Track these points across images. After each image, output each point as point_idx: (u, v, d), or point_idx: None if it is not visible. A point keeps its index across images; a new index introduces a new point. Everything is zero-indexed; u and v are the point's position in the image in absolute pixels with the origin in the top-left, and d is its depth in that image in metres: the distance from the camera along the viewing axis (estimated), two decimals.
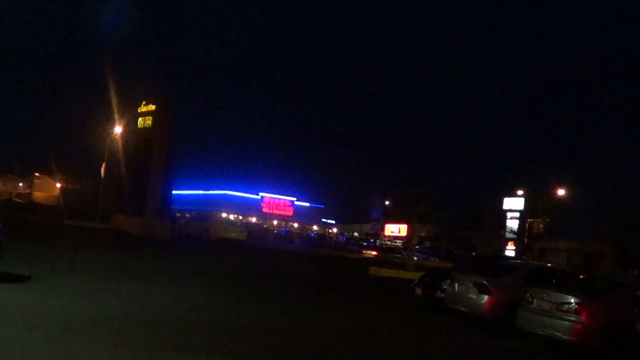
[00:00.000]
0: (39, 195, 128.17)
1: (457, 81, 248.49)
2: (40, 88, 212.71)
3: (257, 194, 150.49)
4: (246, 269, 34.87)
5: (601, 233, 76.92)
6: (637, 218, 64.12)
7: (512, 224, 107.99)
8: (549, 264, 35.88)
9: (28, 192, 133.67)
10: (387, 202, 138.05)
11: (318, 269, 43.20)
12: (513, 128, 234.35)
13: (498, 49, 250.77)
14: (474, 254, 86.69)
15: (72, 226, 52.77)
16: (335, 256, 68.94)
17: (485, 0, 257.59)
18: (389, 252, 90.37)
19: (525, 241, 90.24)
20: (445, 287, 23.33)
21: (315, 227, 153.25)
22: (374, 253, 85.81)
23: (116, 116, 64.55)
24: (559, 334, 16.66)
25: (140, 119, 58.43)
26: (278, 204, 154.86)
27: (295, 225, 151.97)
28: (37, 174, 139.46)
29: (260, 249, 60.00)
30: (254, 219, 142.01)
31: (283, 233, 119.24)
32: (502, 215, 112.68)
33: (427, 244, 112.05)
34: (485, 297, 20.37)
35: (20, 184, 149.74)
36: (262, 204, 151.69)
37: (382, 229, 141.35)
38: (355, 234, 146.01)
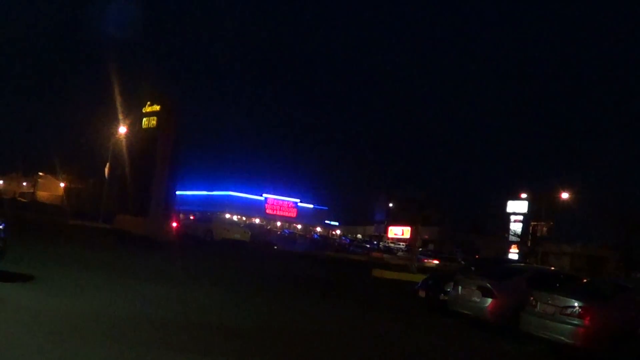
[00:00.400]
0: (42, 194, 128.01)
1: (462, 84, 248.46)
2: (45, 88, 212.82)
3: (261, 195, 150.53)
4: (249, 270, 34.87)
5: (605, 237, 76.79)
6: None
7: (516, 227, 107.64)
8: (553, 268, 35.83)
9: (32, 191, 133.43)
10: (390, 205, 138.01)
11: (321, 270, 43.18)
12: (518, 131, 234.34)
13: (503, 51, 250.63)
14: (477, 256, 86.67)
15: (76, 226, 52.84)
16: (338, 258, 68.94)
17: (490, 3, 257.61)
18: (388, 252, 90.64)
19: (529, 244, 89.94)
20: (448, 290, 23.32)
21: (318, 229, 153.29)
22: (385, 255, 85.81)
23: (120, 116, 64.67)
24: (562, 338, 16.64)
25: (144, 119, 58.40)
26: (282, 205, 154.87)
27: (299, 226, 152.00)
28: (41, 174, 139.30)
29: (263, 250, 60.03)
30: (257, 220, 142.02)
31: (286, 234, 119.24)
32: (505, 218, 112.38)
33: (431, 246, 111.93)
34: (489, 301, 20.35)
35: (24, 184, 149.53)
36: (266, 205, 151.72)
37: (386, 231, 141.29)
38: (359, 235, 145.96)
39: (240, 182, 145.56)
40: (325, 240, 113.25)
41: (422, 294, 25.73)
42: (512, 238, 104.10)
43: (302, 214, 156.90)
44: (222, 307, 18.85)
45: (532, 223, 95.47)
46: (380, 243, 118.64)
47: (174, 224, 56.33)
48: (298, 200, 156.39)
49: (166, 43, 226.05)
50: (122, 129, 65.45)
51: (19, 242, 23.65)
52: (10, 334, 11.32)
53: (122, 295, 18.00)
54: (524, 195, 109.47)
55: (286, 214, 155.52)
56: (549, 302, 17.29)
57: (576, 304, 16.65)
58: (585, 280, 22.61)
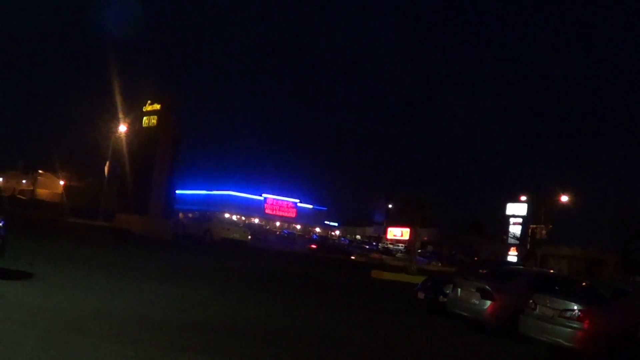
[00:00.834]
0: (42, 192, 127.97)
1: (462, 86, 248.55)
2: (45, 85, 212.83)
3: (261, 195, 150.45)
4: (248, 270, 34.85)
5: (604, 240, 76.91)
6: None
7: (515, 229, 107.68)
8: (552, 271, 35.84)
9: (31, 189, 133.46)
10: (390, 206, 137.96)
11: (320, 271, 43.15)
12: (517, 133, 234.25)
13: (504, 54, 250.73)
14: (476, 259, 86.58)
15: (75, 224, 52.87)
16: (337, 259, 68.94)
17: (491, 4, 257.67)
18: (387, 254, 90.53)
19: (528, 247, 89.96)
20: (447, 291, 23.33)
21: (317, 229, 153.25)
22: (384, 256, 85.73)
23: (121, 115, 64.72)
24: (561, 341, 16.63)
25: (145, 118, 58.54)
26: (281, 205, 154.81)
27: (298, 227, 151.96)
28: (40, 171, 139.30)
29: (262, 250, 60.04)
30: (256, 220, 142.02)
31: (285, 234, 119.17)
32: (505, 220, 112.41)
33: (430, 248, 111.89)
34: (488, 303, 20.34)
35: (24, 181, 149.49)
36: (265, 205, 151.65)
37: (385, 232, 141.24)
38: (358, 236, 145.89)
39: (239, 182, 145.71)
40: (324, 240, 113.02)
41: (421, 295, 25.72)
42: (511, 240, 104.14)
43: (301, 215, 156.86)
44: (222, 307, 18.85)
45: (532, 226, 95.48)
46: (379, 244, 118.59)
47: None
48: (297, 201, 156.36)
49: (166, 42, 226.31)
50: (123, 128, 65.50)
51: (19, 239, 23.66)
52: (9, 332, 11.31)
53: (121, 293, 17.99)
54: (523, 198, 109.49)
55: (285, 214, 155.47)
56: (548, 304, 17.27)
57: (575, 307, 16.64)
58: (584, 284, 22.63)
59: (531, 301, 17.96)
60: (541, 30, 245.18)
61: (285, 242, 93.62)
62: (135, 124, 61.20)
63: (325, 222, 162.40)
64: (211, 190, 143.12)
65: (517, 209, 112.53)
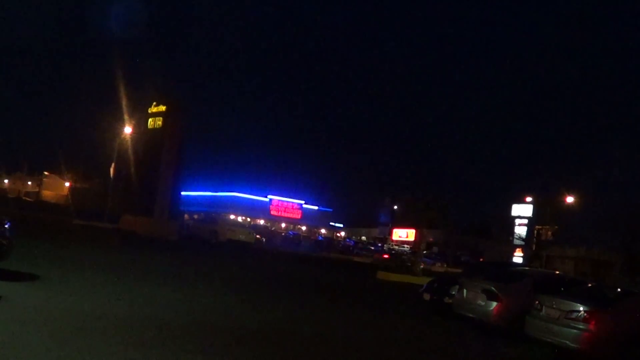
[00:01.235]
0: (47, 194, 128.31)
1: (467, 87, 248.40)
2: (51, 88, 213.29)
3: (266, 197, 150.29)
4: (254, 271, 34.86)
5: (609, 241, 76.80)
6: None
7: (521, 230, 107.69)
8: (558, 272, 35.79)
9: (37, 190, 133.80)
10: (395, 207, 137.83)
11: (326, 272, 43.16)
12: (523, 135, 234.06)
13: (509, 55, 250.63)
14: (481, 259, 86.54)
15: (81, 226, 52.84)
16: (343, 260, 68.94)
17: (493, 7, 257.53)
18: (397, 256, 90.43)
19: (534, 248, 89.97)
20: (453, 293, 23.29)
21: (323, 231, 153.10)
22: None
23: (126, 116, 64.73)
24: (567, 342, 16.60)
25: (150, 119, 58.63)
26: (286, 206, 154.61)
27: (303, 228, 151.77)
28: (46, 173, 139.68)
29: (268, 251, 60.05)
30: (262, 222, 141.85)
31: (291, 236, 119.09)
32: (510, 221, 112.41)
33: (435, 249, 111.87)
34: (494, 304, 20.32)
35: (29, 183, 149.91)
36: (271, 206, 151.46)
37: (390, 234, 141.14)
38: (363, 238, 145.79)
39: (245, 183, 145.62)
40: (330, 242, 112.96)
41: (427, 297, 25.68)
42: (516, 241, 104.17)
43: (306, 216, 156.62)
44: (228, 309, 18.85)
45: (537, 227, 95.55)
46: (385, 245, 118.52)
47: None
48: (303, 202, 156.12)
49: (172, 44, 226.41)
50: (128, 129, 65.50)
51: (24, 241, 23.67)
52: (14, 333, 11.32)
53: (127, 295, 17.99)
54: (529, 199, 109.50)
55: (291, 215, 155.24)
56: (554, 306, 17.25)
57: (581, 309, 16.60)
58: (590, 285, 22.59)
59: (537, 302, 17.93)
60: (546, 31, 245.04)
61: (290, 244, 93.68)
62: (140, 126, 61.26)
63: (331, 223, 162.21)
64: (216, 192, 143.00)
65: (522, 210, 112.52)
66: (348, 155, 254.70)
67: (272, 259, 48.77)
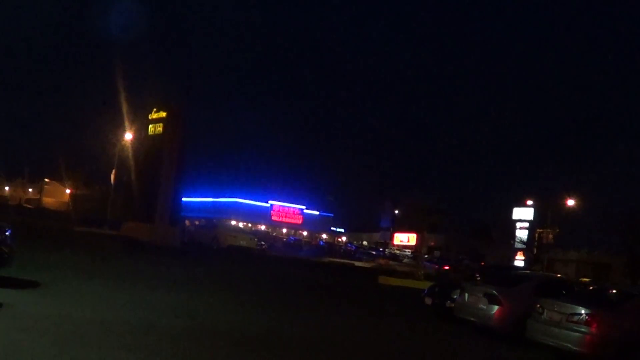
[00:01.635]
0: (48, 201, 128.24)
1: (468, 90, 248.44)
2: (51, 94, 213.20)
3: (267, 202, 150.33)
4: (256, 277, 34.85)
5: (611, 244, 76.70)
6: None
7: (522, 234, 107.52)
8: (559, 275, 35.80)
9: (37, 197, 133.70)
10: (396, 211, 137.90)
11: (327, 277, 43.16)
12: (524, 138, 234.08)
13: (509, 57, 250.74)
14: (482, 263, 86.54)
15: (82, 232, 52.86)
16: (344, 265, 68.95)
17: (495, 9, 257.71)
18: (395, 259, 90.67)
19: (535, 251, 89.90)
20: (455, 297, 23.29)
21: (324, 236, 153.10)
22: (391, 262, 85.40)
23: (127, 123, 64.82)
24: (569, 345, 16.61)
25: (150, 125, 58.58)
26: (287, 212, 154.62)
27: (305, 233, 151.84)
28: (46, 180, 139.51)
29: (269, 256, 60.08)
30: (263, 227, 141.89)
31: (292, 241, 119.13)
32: (511, 225, 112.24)
33: (437, 253, 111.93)
34: (496, 308, 20.33)
35: (30, 190, 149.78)
36: (272, 211, 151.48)
37: (391, 238, 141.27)
38: (365, 242, 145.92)
39: (246, 189, 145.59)
40: (331, 247, 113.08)
41: (428, 301, 25.69)
42: (518, 245, 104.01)
43: (307, 221, 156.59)
44: (230, 314, 18.81)
45: (538, 230, 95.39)
46: (386, 250, 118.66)
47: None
48: (304, 207, 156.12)
49: (172, 50, 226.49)
50: (129, 136, 65.59)
51: (25, 248, 23.67)
52: (16, 340, 11.33)
53: (128, 302, 17.98)
54: (530, 203, 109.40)
55: (292, 220, 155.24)
56: (556, 309, 17.26)
57: (583, 311, 16.62)
58: (592, 288, 22.60)
59: (539, 306, 17.95)
60: (547, 32, 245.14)
61: (292, 249, 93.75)
62: (141, 132, 61.27)
63: (332, 228, 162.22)
64: (217, 198, 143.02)
65: (523, 214, 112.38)
66: (349, 160, 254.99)
67: (273, 265, 48.76)
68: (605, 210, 70.92)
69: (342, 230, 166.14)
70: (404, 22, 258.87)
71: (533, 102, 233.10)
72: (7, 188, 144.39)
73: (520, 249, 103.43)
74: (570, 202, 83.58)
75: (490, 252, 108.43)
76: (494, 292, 20.67)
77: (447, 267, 68.23)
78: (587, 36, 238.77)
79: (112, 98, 66.15)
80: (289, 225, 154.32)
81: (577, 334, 16.41)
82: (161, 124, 57.51)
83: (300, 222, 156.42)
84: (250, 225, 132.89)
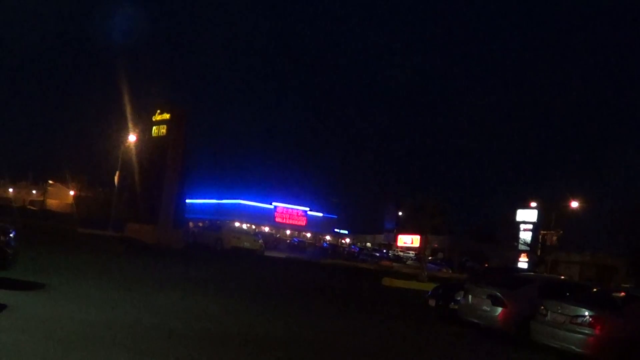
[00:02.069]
0: (52, 202, 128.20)
1: (472, 92, 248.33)
2: (55, 96, 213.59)
3: (271, 204, 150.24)
4: (260, 279, 34.86)
5: (615, 246, 76.63)
6: None
7: (525, 235, 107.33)
8: (563, 277, 35.79)
9: (41, 199, 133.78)
10: (400, 213, 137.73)
11: (331, 279, 43.17)
12: (527, 139, 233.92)
13: (513, 59, 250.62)
14: (486, 265, 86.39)
15: (86, 234, 52.87)
16: (348, 266, 68.92)
17: (498, 9, 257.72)
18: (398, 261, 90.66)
19: (539, 253, 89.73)
20: (458, 298, 23.30)
21: (328, 237, 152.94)
22: (394, 264, 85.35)
23: (130, 124, 64.77)
24: (572, 347, 16.61)
25: (154, 127, 58.57)
26: (291, 213, 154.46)
27: (308, 235, 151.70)
28: (50, 182, 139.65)
29: (273, 258, 60.06)
30: (267, 229, 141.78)
31: (296, 243, 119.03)
32: (515, 226, 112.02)
33: (440, 255, 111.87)
34: (499, 309, 20.32)
35: (34, 192, 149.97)
36: (275, 213, 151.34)
37: (395, 240, 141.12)
38: (368, 244, 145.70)
39: (249, 191, 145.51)
40: (335, 248, 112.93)
41: (432, 302, 25.71)
42: (521, 247, 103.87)
43: (311, 223, 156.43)
44: (235, 316, 18.83)
45: (542, 232, 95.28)
46: (390, 252, 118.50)
47: None
48: (307, 209, 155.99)
49: (177, 52, 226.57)
50: (132, 137, 65.54)
51: (29, 250, 23.72)
52: (20, 342, 11.35)
53: (132, 304, 18.00)
54: (533, 204, 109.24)
55: (295, 222, 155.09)
56: (560, 311, 17.26)
57: (587, 313, 16.62)
58: (595, 290, 22.57)
59: (542, 307, 17.96)
60: (552, 34, 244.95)
61: (295, 250, 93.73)
62: (144, 134, 61.23)
63: (336, 230, 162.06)
64: (221, 199, 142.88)
65: (527, 215, 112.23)
66: (353, 162, 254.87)
67: (277, 266, 48.77)
68: (609, 212, 70.93)
69: (346, 231, 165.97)
70: (407, 24, 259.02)
71: (537, 103, 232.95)
72: (11, 190, 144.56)
73: (523, 251, 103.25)
74: (574, 204, 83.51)
75: (494, 254, 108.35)
76: (498, 293, 20.67)
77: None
78: (592, 38, 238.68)
79: (116, 100, 66.04)
80: (293, 227, 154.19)
81: (581, 335, 16.41)
82: (165, 126, 57.51)
83: (304, 223, 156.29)
84: (254, 226, 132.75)
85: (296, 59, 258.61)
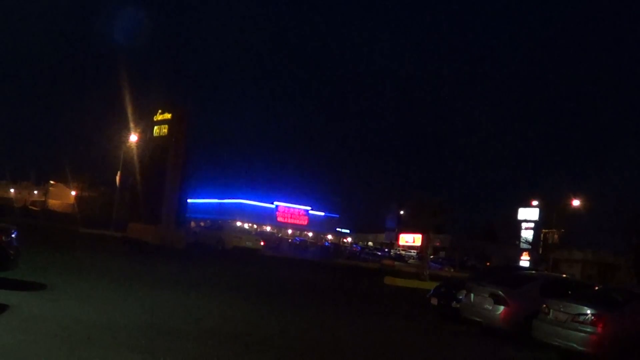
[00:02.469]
0: (53, 203, 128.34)
1: (473, 91, 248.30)
2: (56, 97, 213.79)
3: (272, 203, 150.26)
4: (262, 278, 34.83)
5: (616, 244, 76.54)
6: None
7: (527, 234, 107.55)
8: (564, 275, 35.77)
9: (43, 199, 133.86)
10: (402, 212, 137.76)
11: (333, 278, 43.16)
12: (529, 138, 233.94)
13: (515, 59, 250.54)
14: (488, 263, 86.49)
15: (87, 234, 52.96)
16: (350, 265, 68.92)
17: (500, 12, 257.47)
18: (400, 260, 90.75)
19: (540, 252, 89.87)
20: (460, 297, 23.27)
21: (329, 237, 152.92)
22: (396, 263, 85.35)
23: (132, 125, 64.81)
24: (574, 345, 16.58)
25: (155, 127, 58.53)
26: (293, 213, 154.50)
27: (310, 234, 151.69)
28: (52, 182, 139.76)
29: (275, 257, 60.04)
30: (268, 228, 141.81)
31: (297, 242, 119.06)
32: (517, 225, 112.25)
33: (442, 253, 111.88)
34: (501, 308, 20.30)
35: (36, 192, 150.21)
36: (277, 213, 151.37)
37: (397, 239, 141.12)
38: (370, 243, 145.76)
39: (251, 190, 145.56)
40: (337, 248, 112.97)
41: (434, 301, 25.67)
42: (523, 245, 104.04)
43: (313, 222, 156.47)
44: (237, 316, 18.79)
45: (543, 230, 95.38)
46: (392, 251, 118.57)
47: None
48: (309, 208, 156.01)
49: (176, 52, 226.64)
50: (134, 137, 65.57)
51: (31, 250, 23.71)
52: (21, 342, 11.34)
53: (134, 303, 17.99)
54: (535, 203, 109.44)
55: (297, 221, 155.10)
56: (562, 309, 17.24)
57: (589, 312, 16.59)
58: (597, 288, 22.55)
59: (544, 306, 17.93)
60: (555, 33, 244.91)
61: (297, 250, 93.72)
62: (146, 134, 61.21)
63: (337, 229, 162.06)
64: (223, 199, 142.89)
65: (529, 214, 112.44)
66: (354, 161, 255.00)
67: (279, 266, 48.76)
68: (610, 210, 70.83)
69: (348, 231, 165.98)
70: (410, 25, 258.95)
71: (539, 102, 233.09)
72: (12, 190, 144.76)
73: (525, 249, 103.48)
74: (576, 203, 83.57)
75: (496, 253, 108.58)
76: (500, 292, 20.65)
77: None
78: (595, 37, 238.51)
79: (117, 100, 66.11)
80: (295, 226, 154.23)
81: (583, 334, 16.38)
82: (166, 126, 57.47)
83: (305, 223, 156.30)
84: (255, 226, 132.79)
85: (299, 58, 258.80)
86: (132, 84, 64.85)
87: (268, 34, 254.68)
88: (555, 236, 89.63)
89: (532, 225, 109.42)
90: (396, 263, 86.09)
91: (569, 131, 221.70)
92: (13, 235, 16.98)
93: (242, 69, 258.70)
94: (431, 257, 76.02)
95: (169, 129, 57.16)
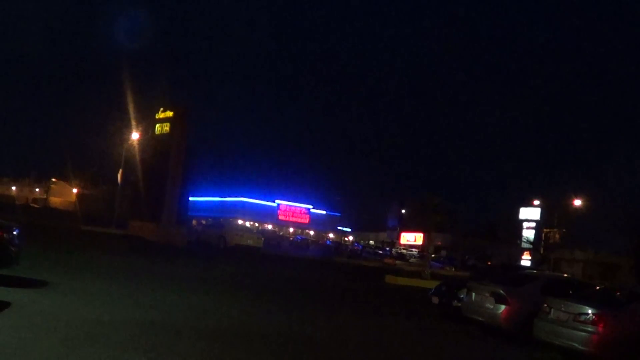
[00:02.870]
0: (55, 200, 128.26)
1: (476, 91, 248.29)
2: (58, 94, 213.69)
3: (274, 201, 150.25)
4: (263, 276, 34.84)
5: (617, 244, 76.54)
6: None
7: (528, 233, 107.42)
8: (566, 275, 35.79)
9: (44, 197, 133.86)
10: (403, 211, 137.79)
11: (334, 277, 43.16)
12: (531, 138, 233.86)
13: (518, 59, 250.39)
14: (489, 263, 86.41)
15: (89, 232, 52.91)
16: (351, 264, 68.93)
17: (503, 14, 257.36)
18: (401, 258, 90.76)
19: (542, 251, 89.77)
20: (462, 296, 23.29)
21: (331, 235, 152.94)
22: (397, 261, 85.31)
23: (133, 123, 64.77)
24: (576, 345, 16.58)
25: (157, 125, 58.55)
26: (294, 211, 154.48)
27: (311, 232, 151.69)
28: (53, 180, 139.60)
29: (276, 256, 60.03)
30: (270, 226, 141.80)
31: (299, 240, 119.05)
32: (518, 225, 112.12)
33: (443, 253, 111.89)
34: (502, 307, 20.30)
35: (37, 190, 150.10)
36: (278, 211, 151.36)
37: (398, 238, 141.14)
38: (371, 242, 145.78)
39: (252, 188, 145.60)
40: (338, 246, 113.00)
41: (435, 300, 25.70)
42: (524, 245, 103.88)
43: (314, 220, 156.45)
44: (239, 314, 18.80)
45: (545, 230, 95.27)
46: (393, 249, 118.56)
47: None
48: (311, 207, 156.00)
49: (179, 50, 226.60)
50: (135, 135, 65.54)
51: (33, 247, 23.72)
52: (24, 339, 11.34)
53: (136, 301, 17.99)
54: (536, 202, 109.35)
55: (299, 220, 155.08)
56: (563, 309, 17.24)
57: (590, 311, 16.59)
58: (599, 288, 22.54)
59: (545, 305, 17.93)
60: (556, 34, 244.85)
61: (298, 248, 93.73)
62: (147, 132, 61.21)
63: (339, 227, 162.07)
64: (224, 197, 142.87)
65: (530, 214, 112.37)
66: (356, 160, 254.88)
67: (280, 264, 48.74)
68: (612, 210, 70.83)
69: (349, 229, 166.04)
70: (410, 24, 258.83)
71: (540, 102, 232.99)
72: (14, 187, 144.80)
73: (527, 249, 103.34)
74: (577, 202, 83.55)
75: (497, 252, 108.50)
76: (501, 291, 20.66)
77: None
78: (597, 37, 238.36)
79: (119, 98, 66.08)
80: (296, 225, 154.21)
81: (584, 333, 16.38)
82: (168, 124, 57.48)
83: (307, 221, 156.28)
84: (257, 224, 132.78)
85: (299, 57, 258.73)
86: (134, 82, 64.88)
87: (270, 33, 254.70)
88: (557, 236, 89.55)
89: (533, 224, 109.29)
90: (397, 262, 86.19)
91: (571, 131, 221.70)
92: (15, 233, 16.99)
93: (244, 67, 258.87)
94: (432, 256, 76.09)
95: (170, 127, 57.16)
